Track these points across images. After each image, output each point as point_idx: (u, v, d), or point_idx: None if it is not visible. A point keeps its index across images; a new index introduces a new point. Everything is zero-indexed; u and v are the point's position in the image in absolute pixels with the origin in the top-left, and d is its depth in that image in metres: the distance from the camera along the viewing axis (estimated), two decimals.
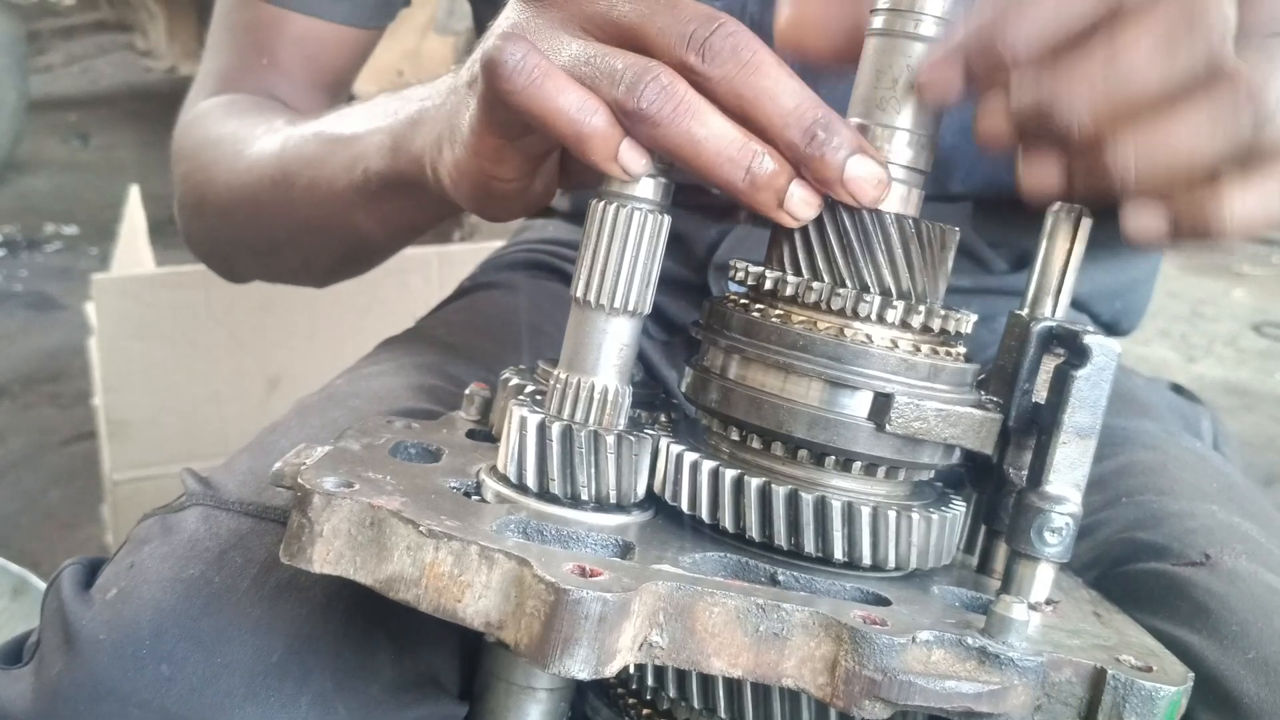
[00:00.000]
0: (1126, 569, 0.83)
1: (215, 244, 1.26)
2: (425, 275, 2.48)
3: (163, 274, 2.41)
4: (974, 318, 0.73)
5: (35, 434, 3.38)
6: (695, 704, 0.73)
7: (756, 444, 0.71)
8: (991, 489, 0.77)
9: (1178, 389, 1.30)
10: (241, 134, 1.16)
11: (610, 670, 0.58)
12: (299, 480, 0.65)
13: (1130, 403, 1.12)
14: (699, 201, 1.23)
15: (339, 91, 1.35)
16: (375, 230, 1.03)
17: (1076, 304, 1.24)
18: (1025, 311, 0.77)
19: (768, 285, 0.72)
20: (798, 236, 0.72)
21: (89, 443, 2.94)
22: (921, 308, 0.70)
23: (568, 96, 0.67)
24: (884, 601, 0.66)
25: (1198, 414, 1.23)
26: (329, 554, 0.63)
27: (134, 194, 2.83)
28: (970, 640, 0.61)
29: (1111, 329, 1.32)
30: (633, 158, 0.68)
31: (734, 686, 0.72)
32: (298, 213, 1.07)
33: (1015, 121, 0.66)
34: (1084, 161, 0.66)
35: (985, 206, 1.18)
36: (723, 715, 0.73)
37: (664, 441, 0.73)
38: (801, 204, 0.68)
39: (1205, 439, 1.18)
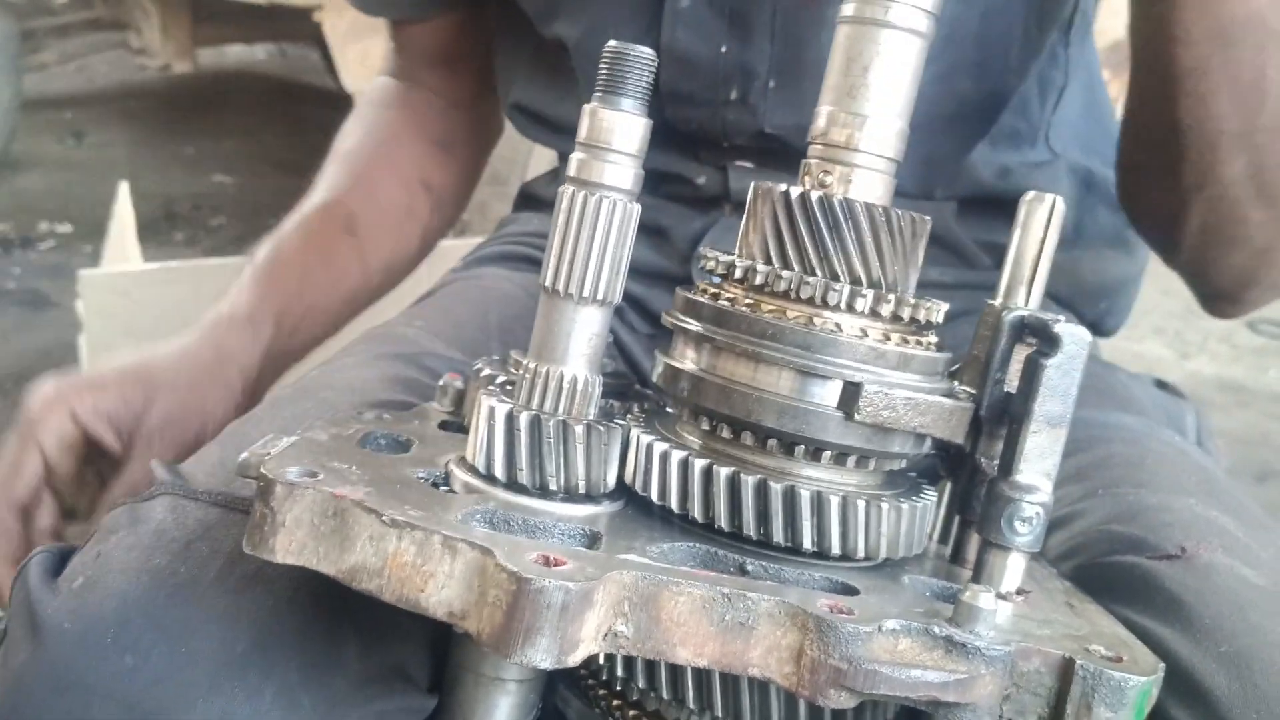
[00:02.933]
0: (1102, 561, 0.83)
1: None
2: (413, 272, 2.47)
3: (151, 270, 2.40)
4: (945, 307, 0.73)
5: None
6: (665, 695, 0.73)
7: (726, 434, 0.71)
8: (964, 479, 0.77)
9: (1162, 384, 1.29)
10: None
11: (573, 660, 0.58)
12: (262, 470, 0.65)
13: (1111, 397, 1.11)
14: (682, 193, 1.23)
15: (469, 69, 1.45)
16: None
17: (1061, 303, 1.23)
18: (998, 301, 0.77)
19: (738, 273, 0.71)
20: (768, 225, 0.72)
21: None
22: (891, 296, 0.70)
23: None
24: (852, 591, 0.66)
25: (1181, 409, 1.22)
26: (291, 544, 0.63)
27: (124, 191, 2.82)
28: (937, 629, 0.61)
29: (1094, 329, 1.31)
30: None
31: (703, 677, 0.71)
32: None
33: None
34: None
35: (969, 206, 1.18)
36: (692, 706, 0.72)
37: (634, 432, 0.72)
38: None
39: (1189, 434, 1.18)
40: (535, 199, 1.48)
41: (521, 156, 3.62)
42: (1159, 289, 5.53)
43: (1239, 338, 5.20)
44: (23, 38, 6.22)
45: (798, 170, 0.75)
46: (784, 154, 1.14)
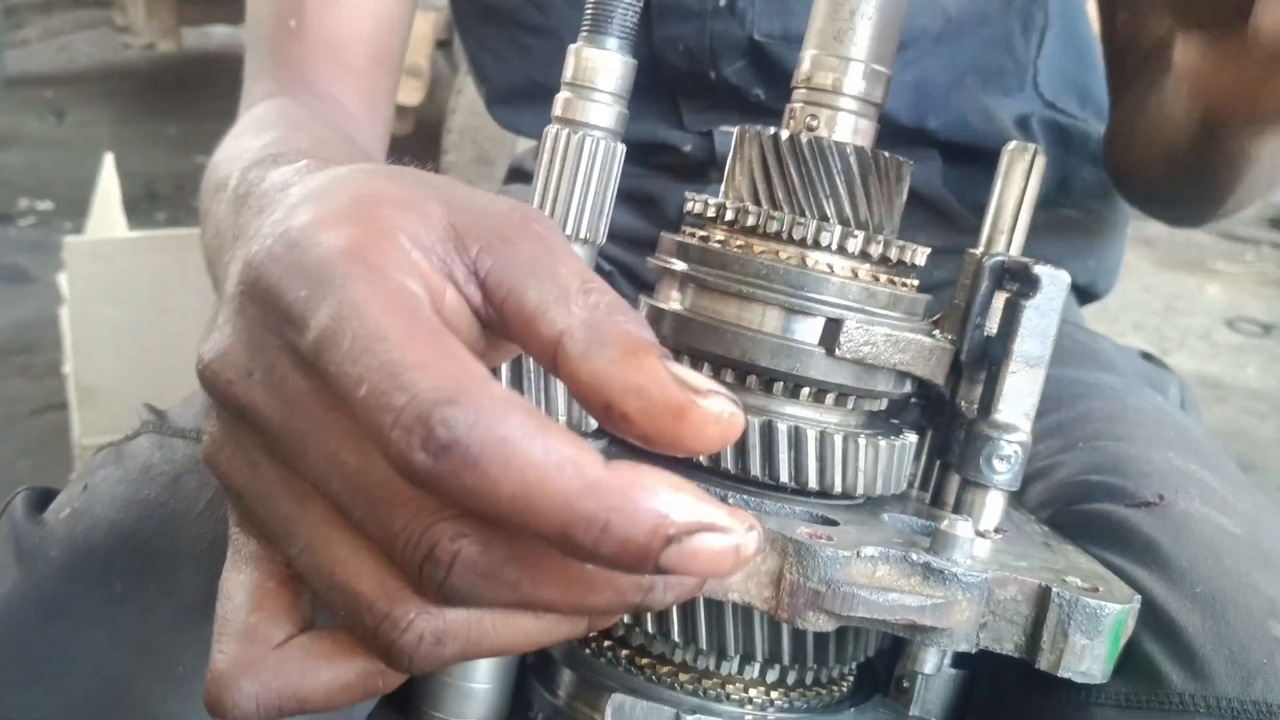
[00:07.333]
0: (1080, 509, 0.84)
1: None
2: None
3: (135, 238, 2.39)
4: (927, 250, 0.74)
5: (5, 404, 3.36)
6: (649, 629, 0.73)
7: (707, 373, 0.72)
8: (944, 423, 0.78)
9: (1147, 356, 1.31)
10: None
11: None
12: None
13: (1095, 358, 1.12)
14: (670, 162, 1.23)
15: (370, 71, 1.22)
16: None
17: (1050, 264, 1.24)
18: (980, 250, 0.78)
19: (729, 215, 0.72)
20: (756, 167, 0.72)
21: (59, 413, 2.92)
22: (880, 238, 0.70)
23: None
24: (831, 523, 0.67)
25: (1165, 379, 1.23)
26: None
27: (108, 162, 2.81)
28: (915, 556, 0.62)
29: (1088, 292, 1.33)
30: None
31: (687, 610, 0.72)
32: None
33: None
34: None
35: (954, 160, 1.19)
36: (676, 639, 0.73)
37: None
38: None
39: (1172, 401, 1.19)
40: (524, 172, 1.48)
41: (509, 137, 3.62)
42: (1140, 286, 5.57)
43: (1217, 335, 5.26)
44: (5, 14, 6.19)
45: None
46: (769, 115, 1.15)
